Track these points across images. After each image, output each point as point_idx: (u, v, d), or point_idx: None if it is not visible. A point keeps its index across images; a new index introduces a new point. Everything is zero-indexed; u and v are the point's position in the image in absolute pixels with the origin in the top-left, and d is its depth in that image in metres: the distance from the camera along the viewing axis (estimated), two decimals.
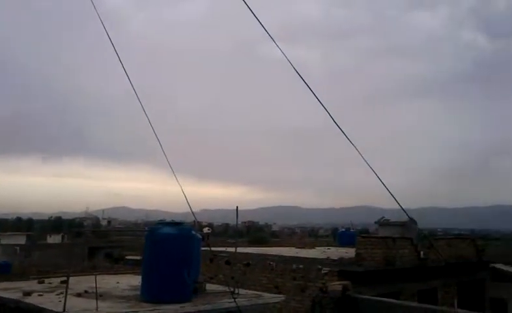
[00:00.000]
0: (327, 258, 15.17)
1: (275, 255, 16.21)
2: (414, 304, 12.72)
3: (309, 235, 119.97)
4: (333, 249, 21.77)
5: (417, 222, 23.29)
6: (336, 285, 9.35)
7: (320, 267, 14.00)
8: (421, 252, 15.90)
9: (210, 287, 9.72)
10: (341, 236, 26.66)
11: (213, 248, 17.86)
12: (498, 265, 26.28)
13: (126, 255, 40.77)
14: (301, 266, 14.50)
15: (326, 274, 13.62)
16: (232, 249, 15.57)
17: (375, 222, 23.45)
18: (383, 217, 22.93)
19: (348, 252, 16.18)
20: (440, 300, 16.83)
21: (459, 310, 13.91)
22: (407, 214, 6.39)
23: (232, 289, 8.90)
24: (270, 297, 10.07)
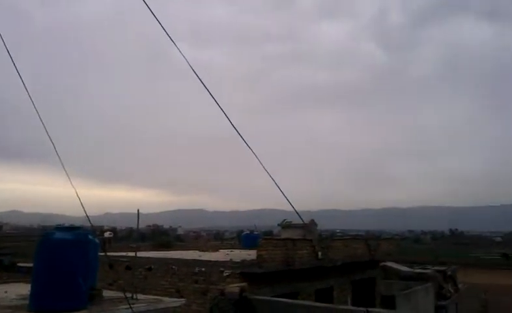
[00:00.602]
0: (230, 260, 15.32)
1: (178, 259, 16.05)
2: (308, 302, 13.30)
3: (215, 238, 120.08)
4: (236, 251, 22.00)
5: (318, 223, 24.29)
6: (233, 287, 9.48)
7: (222, 269, 14.11)
8: (319, 253, 16.62)
9: (108, 293, 9.37)
10: (245, 238, 27.05)
11: (114, 253, 17.31)
12: (389, 264, 28.28)
13: (18, 263, 38.00)
14: (203, 269, 14.51)
15: (227, 276, 13.74)
16: (133, 253, 15.18)
17: (278, 225, 24.07)
18: (285, 219, 23.62)
19: (251, 254, 16.43)
20: (336, 299, 17.74)
21: (352, 307, 14.75)
22: (300, 217, 6.66)
23: (130, 295, 8.68)
24: (170, 301, 9.95)
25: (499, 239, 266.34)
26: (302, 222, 21.95)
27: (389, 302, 20.87)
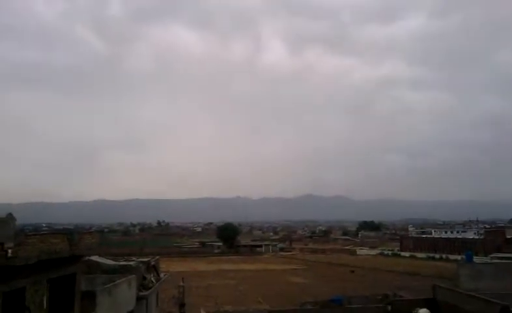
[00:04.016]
0: None
1: None
2: None
3: None
4: None
5: (20, 217, 21.79)
6: None
7: None
8: (9, 251, 14.72)
9: None
10: None
11: None
12: (93, 258, 27.54)
13: None
14: None
15: None
16: None
17: None
18: None
19: None
20: (29, 299, 16.04)
21: None
22: None
23: None
24: None
25: (199, 229, 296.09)
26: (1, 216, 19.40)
27: (89, 297, 20.22)
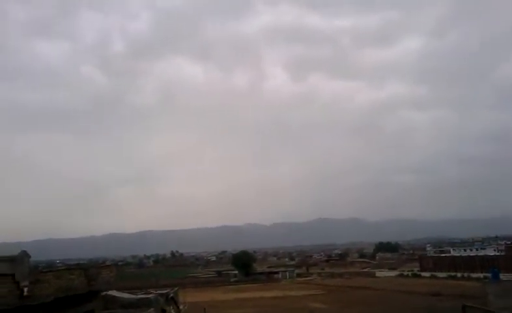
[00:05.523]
0: None
1: None
2: None
3: None
4: None
5: (33, 255, 21.18)
6: None
7: None
8: (25, 289, 13.92)
9: None
10: None
11: None
12: (110, 292, 26.61)
13: None
14: None
15: None
16: None
17: None
18: None
19: None
20: None
21: None
22: None
23: None
24: None
25: (213, 258, 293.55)
26: (16, 254, 18.80)
27: None
